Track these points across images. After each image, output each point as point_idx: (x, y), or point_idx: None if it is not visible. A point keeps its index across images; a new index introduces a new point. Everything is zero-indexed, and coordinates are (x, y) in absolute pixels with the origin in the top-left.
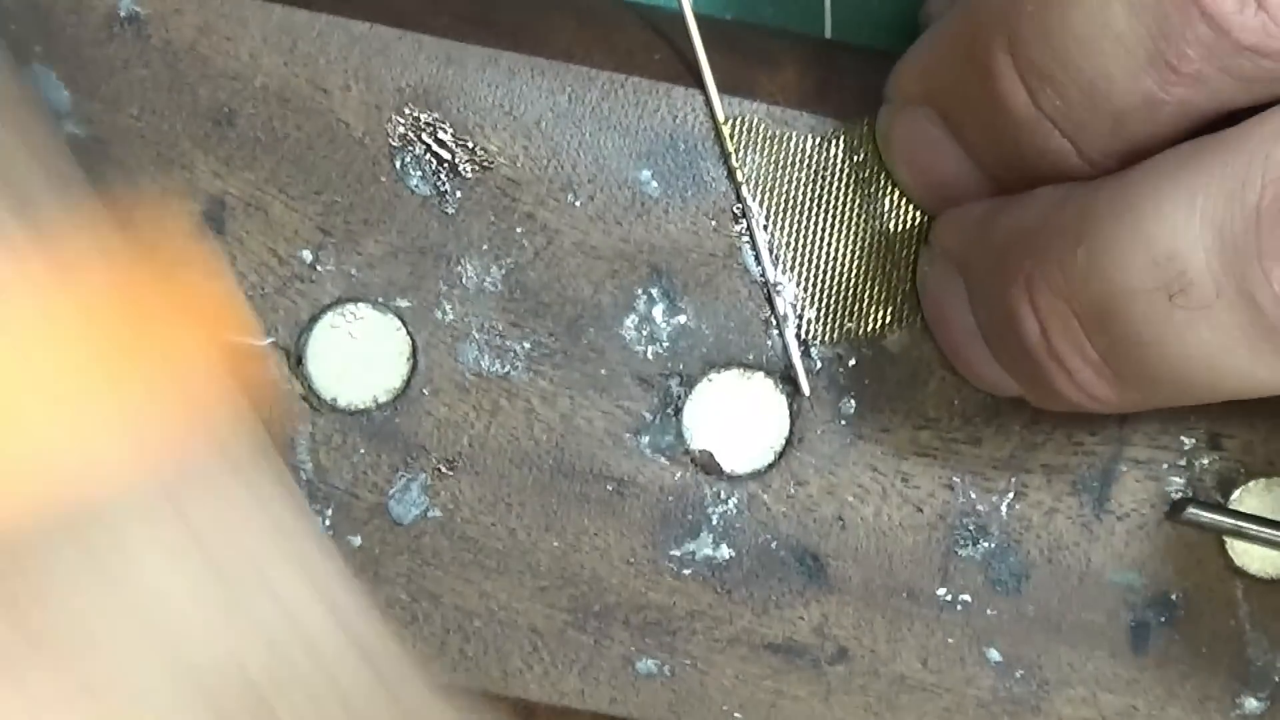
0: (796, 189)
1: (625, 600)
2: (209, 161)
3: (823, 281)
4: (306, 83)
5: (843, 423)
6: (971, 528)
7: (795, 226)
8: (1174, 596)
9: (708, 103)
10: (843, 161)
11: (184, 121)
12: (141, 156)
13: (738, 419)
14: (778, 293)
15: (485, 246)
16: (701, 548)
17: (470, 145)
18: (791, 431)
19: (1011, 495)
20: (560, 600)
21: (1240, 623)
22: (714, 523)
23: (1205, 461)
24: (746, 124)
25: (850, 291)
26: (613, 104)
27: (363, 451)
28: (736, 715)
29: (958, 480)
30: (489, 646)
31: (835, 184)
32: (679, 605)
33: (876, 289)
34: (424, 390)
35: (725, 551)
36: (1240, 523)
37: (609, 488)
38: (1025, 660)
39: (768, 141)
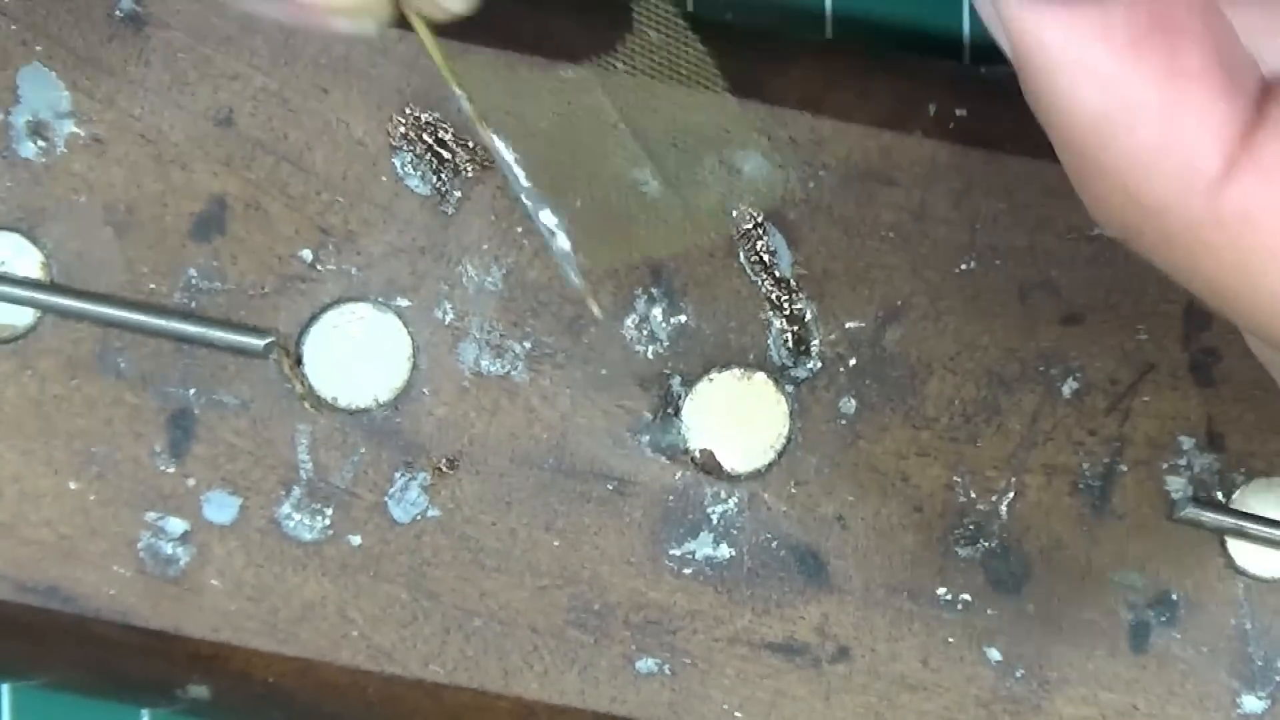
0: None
1: (625, 600)
2: (209, 161)
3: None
4: (307, 83)
5: (843, 423)
6: (971, 528)
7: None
8: (1174, 596)
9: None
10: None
11: (184, 121)
12: (141, 156)
13: (738, 419)
14: (536, 216)
15: (485, 246)
16: (701, 547)
17: (470, 145)
18: (791, 431)
19: (1011, 495)
20: (560, 600)
21: (1240, 623)
22: (714, 522)
23: (1205, 461)
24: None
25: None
26: (612, 104)
27: (363, 451)
28: (737, 715)
29: (958, 480)
30: (489, 646)
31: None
32: (679, 605)
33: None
34: (424, 390)
35: (725, 551)
36: (1240, 522)
37: (609, 487)
38: (1025, 660)
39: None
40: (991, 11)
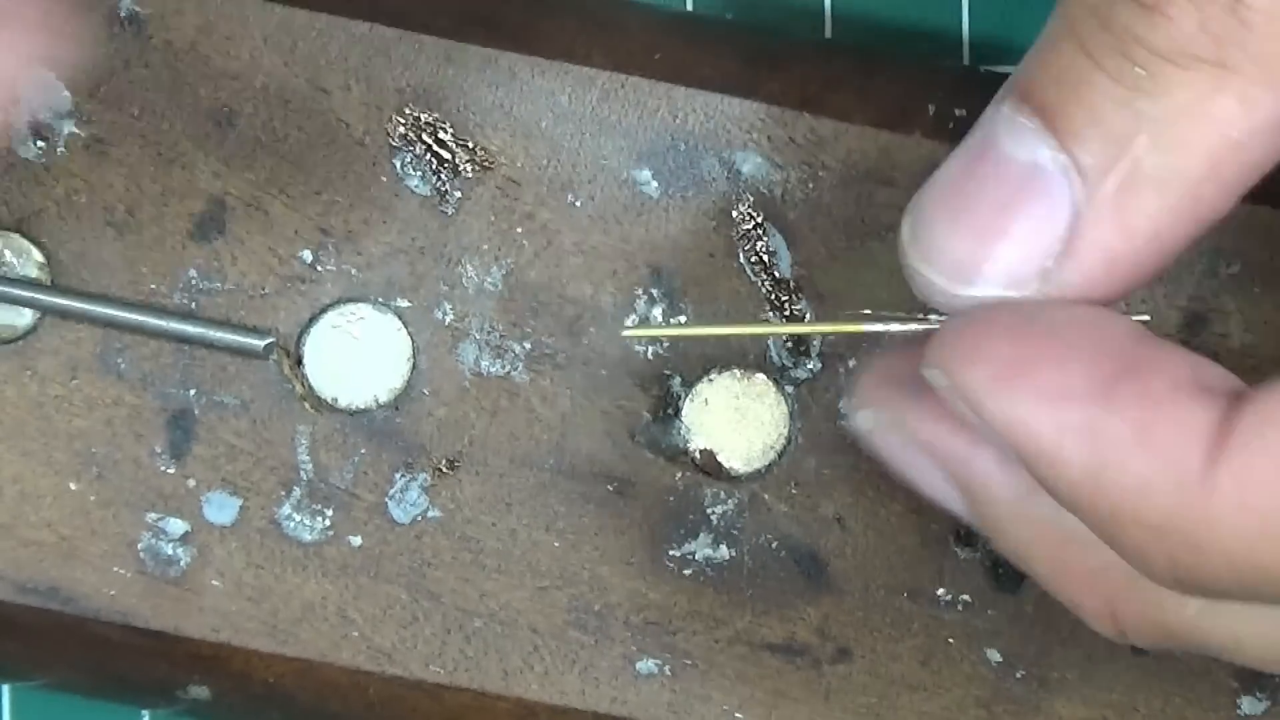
0: None
1: (625, 600)
2: (209, 161)
3: None
4: (306, 83)
5: (843, 423)
6: (972, 528)
7: None
8: None
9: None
10: None
11: (184, 121)
12: (141, 156)
13: (738, 419)
14: None
15: (485, 246)
16: (701, 548)
17: (470, 145)
18: (791, 431)
19: None
20: (560, 600)
21: None
22: (714, 523)
23: None
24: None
25: None
26: (613, 104)
27: (363, 451)
28: (737, 715)
29: None
30: (489, 646)
31: None
32: (679, 605)
33: None
34: (424, 390)
35: (725, 551)
36: None
37: (609, 488)
38: (1025, 660)
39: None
40: (969, 414)
